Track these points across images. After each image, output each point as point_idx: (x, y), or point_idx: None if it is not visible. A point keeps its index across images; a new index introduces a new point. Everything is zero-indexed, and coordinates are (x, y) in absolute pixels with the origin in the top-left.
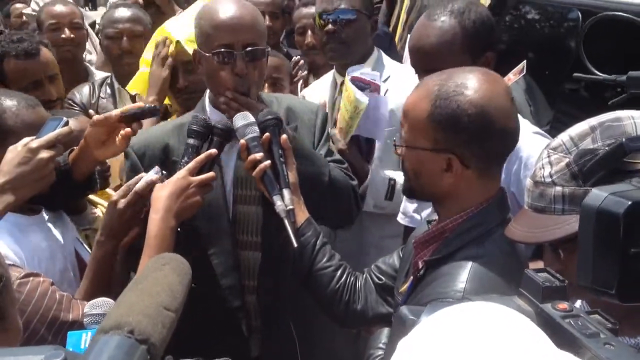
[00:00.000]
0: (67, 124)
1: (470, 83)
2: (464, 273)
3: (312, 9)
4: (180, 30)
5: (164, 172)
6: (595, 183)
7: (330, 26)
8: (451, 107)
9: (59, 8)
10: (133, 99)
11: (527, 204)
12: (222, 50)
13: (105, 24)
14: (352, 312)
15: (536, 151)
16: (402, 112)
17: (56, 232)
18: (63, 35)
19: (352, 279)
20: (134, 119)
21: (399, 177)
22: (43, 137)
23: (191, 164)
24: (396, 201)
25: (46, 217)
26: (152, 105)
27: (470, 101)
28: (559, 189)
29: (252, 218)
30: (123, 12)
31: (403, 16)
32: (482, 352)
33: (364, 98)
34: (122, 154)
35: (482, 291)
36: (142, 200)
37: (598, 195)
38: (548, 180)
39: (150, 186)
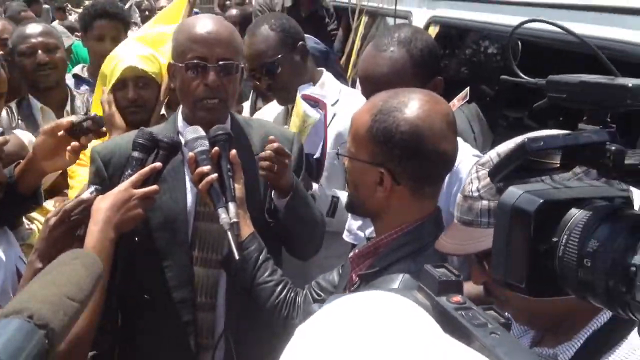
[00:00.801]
0: (2, 134)
1: (411, 102)
2: (394, 285)
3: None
4: (129, 51)
5: (99, 188)
6: (502, 180)
7: (263, 80)
8: (388, 122)
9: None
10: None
11: (457, 217)
12: (195, 61)
13: (17, 41)
14: (290, 326)
15: None
16: (350, 125)
17: None
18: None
19: (292, 294)
20: (82, 130)
21: (343, 196)
22: None
23: (134, 177)
24: (339, 219)
25: None
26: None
27: (406, 119)
28: (485, 202)
29: (213, 235)
30: (34, 28)
31: (358, 43)
32: (375, 338)
33: (313, 113)
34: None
35: None
36: (75, 220)
37: (514, 192)
38: (475, 194)
39: (81, 204)
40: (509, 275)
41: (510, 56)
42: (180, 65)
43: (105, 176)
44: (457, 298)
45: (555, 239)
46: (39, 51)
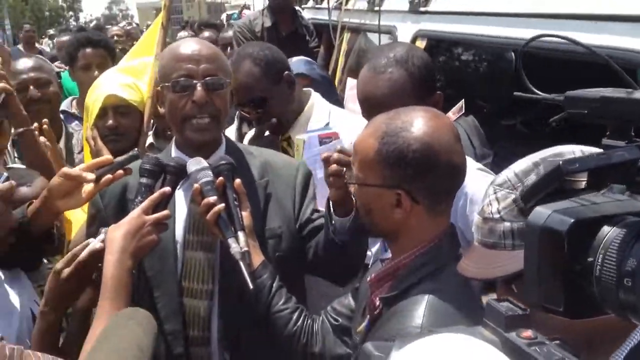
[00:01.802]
0: (7, 179)
1: (415, 120)
2: (420, 308)
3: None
4: (109, 80)
5: None
6: (537, 204)
7: (252, 114)
8: (397, 143)
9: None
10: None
11: (477, 240)
12: (182, 79)
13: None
14: (310, 355)
15: (481, 187)
16: (352, 151)
17: (12, 294)
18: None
19: (309, 321)
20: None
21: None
22: None
23: (145, 203)
24: None
25: (2, 276)
26: (125, 156)
27: (415, 137)
28: (507, 224)
29: (202, 265)
30: (25, 63)
31: (341, 60)
32: None
33: (301, 136)
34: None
35: (438, 325)
36: (87, 269)
37: (542, 213)
38: (496, 216)
39: (94, 254)
40: (544, 299)
41: (521, 72)
42: (166, 84)
43: (101, 207)
44: (528, 333)
45: (590, 259)
46: (30, 87)
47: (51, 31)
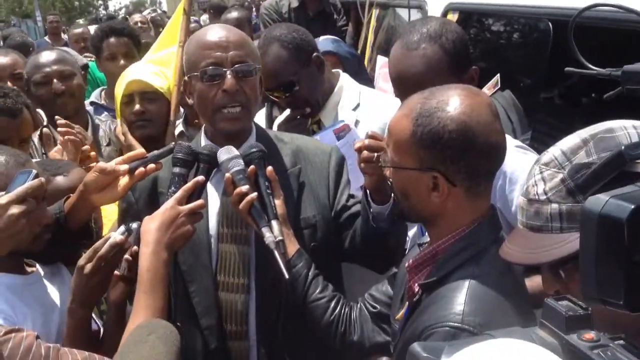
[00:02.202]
0: (37, 176)
1: (451, 99)
2: (461, 295)
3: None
4: (137, 68)
5: (133, 227)
6: (599, 192)
7: (282, 99)
8: (433, 124)
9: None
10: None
11: (522, 222)
12: (210, 68)
13: (31, 71)
14: (349, 343)
15: (520, 165)
16: (387, 133)
17: (52, 290)
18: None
19: (347, 309)
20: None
21: None
22: (12, 191)
23: (179, 193)
24: None
25: (42, 272)
26: (161, 150)
27: (452, 117)
28: (555, 206)
29: (237, 258)
30: (48, 56)
31: (370, 37)
32: None
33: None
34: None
35: (481, 312)
36: (110, 263)
37: (599, 199)
38: (543, 197)
39: (115, 249)
40: (603, 292)
41: (573, 45)
42: (194, 74)
43: (132, 200)
44: (590, 335)
45: None
46: (54, 80)
47: (81, 21)
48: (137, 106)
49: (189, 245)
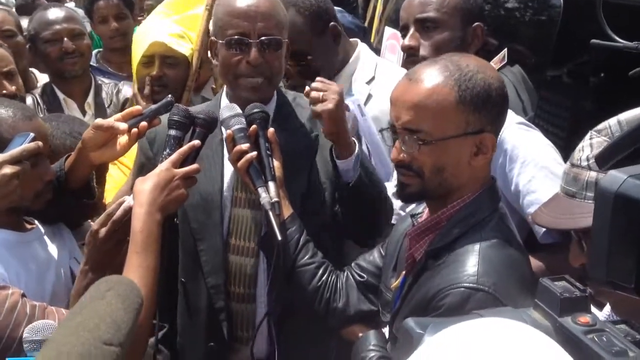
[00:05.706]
0: (34, 139)
1: (476, 63)
2: (473, 257)
3: None
4: (159, 27)
5: None
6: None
7: (293, 67)
8: (480, 85)
9: None
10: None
11: (561, 187)
12: (236, 37)
13: (39, 28)
14: (332, 310)
15: (520, 142)
16: (416, 110)
17: (52, 248)
18: None
19: (333, 277)
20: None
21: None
22: (7, 152)
23: (174, 156)
24: None
25: (42, 230)
26: (159, 104)
27: (492, 76)
28: (593, 174)
29: (250, 222)
30: (57, 13)
31: (379, 8)
32: None
33: None
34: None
35: (494, 272)
36: (123, 227)
37: (616, 177)
38: (584, 163)
39: (129, 213)
40: (613, 274)
41: (601, 18)
42: (220, 42)
43: (150, 155)
44: (586, 319)
45: None
46: (65, 38)
47: None
48: (157, 70)
49: (201, 204)
